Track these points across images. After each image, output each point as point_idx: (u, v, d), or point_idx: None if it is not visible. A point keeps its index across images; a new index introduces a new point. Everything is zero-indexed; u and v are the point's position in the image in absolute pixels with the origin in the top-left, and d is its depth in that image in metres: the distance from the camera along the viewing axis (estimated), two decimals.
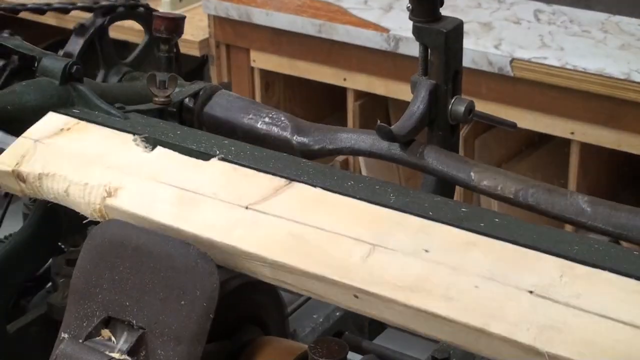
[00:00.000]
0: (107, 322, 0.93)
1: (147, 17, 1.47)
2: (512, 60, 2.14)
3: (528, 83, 2.15)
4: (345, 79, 2.43)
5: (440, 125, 1.11)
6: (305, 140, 1.16)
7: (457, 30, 1.08)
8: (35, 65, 1.23)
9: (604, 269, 0.87)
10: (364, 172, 2.47)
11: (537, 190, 1.02)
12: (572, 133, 2.16)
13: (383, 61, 2.32)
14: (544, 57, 2.14)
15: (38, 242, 1.28)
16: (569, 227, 2.26)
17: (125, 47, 1.50)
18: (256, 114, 1.22)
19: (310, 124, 1.19)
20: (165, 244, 0.91)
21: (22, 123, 1.17)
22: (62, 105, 1.18)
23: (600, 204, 0.99)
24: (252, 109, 1.23)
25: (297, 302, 1.25)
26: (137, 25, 1.50)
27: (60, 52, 1.39)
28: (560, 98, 2.14)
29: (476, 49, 2.16)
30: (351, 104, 2.48)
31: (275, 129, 1.19)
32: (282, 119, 1.20)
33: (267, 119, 1.20)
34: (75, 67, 1.20)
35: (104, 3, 1.42)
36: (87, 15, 1.44)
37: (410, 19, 1.09)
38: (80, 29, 1.40)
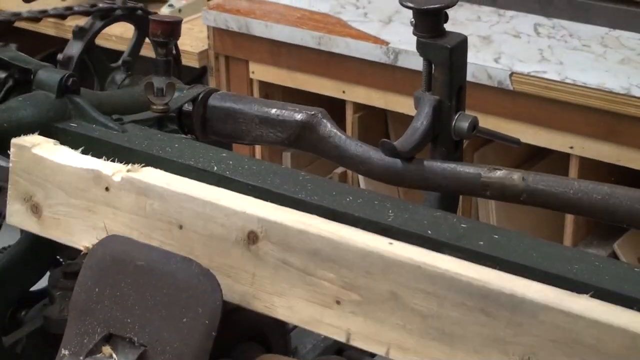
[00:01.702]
0: (108, 339, 0.92)
1: (143, 19, 1.46)
2: (512, 74, 2.14)
3: (527, 97, 2.15)
4: (344, 92, 2.43)
5: (444, 141, 1.10)
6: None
7: (461, 45, 1.08)
8: (31, 77, 1.22)
9: (604, 289, 0.87)
10: (362, 185, 2.46)
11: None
12: (572, 147, 2.16)
13: (382, 74, 2.32)
14: (544, 71, 2.14)
15: (35, 255, 1.27)
16: (568, 237, 2.27)
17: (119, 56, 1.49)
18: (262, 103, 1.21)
19: None
20: (167, 261, 0.91)
21: None
22: (60, 120, 1.17)
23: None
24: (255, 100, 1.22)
25: None
26: (129, 34, 1.50)
27: (60, 56, 1.38)
28: (560, 112, 2.13)
29: (476, 62, 2.16)
30: (350, 117, 2.48)
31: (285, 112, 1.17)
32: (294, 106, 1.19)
33: (277, 106, 1.19)
34: (71, 79, 1.19)
35: (101, 5, 1.41)
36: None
37: (414, 34, 1.08)
38: (79, 32, 1.39)
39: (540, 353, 0.86)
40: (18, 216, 1.14)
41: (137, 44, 1.48)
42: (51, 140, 1.13)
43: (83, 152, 1.12)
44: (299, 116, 1.15)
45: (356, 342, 0.94)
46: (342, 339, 0.94)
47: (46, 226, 1.13)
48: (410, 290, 0.91)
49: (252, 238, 0.97)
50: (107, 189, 1.06)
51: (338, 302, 0.94)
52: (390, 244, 0.94)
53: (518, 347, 0.86)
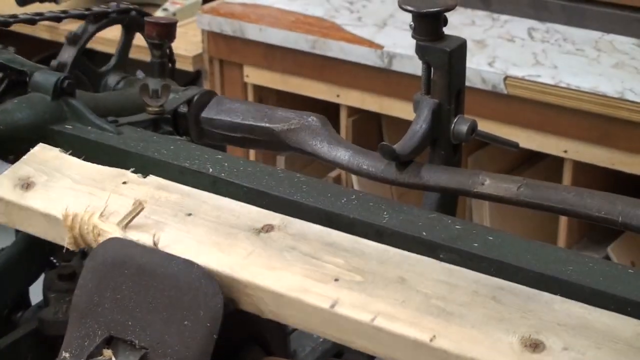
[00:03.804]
0: (109, 342, 0.92)
1: (138, 20, 1.45)
2: (506, 77, 2.15)
3: (521, 101, 2.16)
4: (338, 95, 2.43)
5: (443, 145, 1.10)
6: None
7: (460, 49, 1.08)
8: (27, 80, 1.22)
9: (598, 291, 0.87)
10: (356, 187, 2.47)
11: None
12: (565, 151, 2.17)
13: (376, 78, 2.32)
14: (538, 74, 2.15)
15: (30, 257, 1.27)
16: (562, 240, 2.28)
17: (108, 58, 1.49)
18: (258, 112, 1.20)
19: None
20: (169, 263, 0.91)
21: (16, 142, 1.17)
22: (56, 122, 1.18)
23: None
24: (252, 108, 1.22)
25: None
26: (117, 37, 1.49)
27: (54, 62, 1.38)
28: (554, 116, 2.14)
29: (470, 66, 2.16)
30: (344, 120, 2.48)
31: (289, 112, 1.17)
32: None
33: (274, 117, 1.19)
34: (66, 81, 1.20)
35: (95, 9, 1.41)
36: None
37: (413, 37, 1.08)
38: (73, 37, 1.39)
39: (544, 332, 0.85)
40: None
41: (125, 46, 1.48)
42: None
43: (79, 155, 1.12)
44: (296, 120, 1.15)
45: (340, 309, 0.89)
46: (325, 305, 0.89)
47: (26, 197, 1.07)
48: (421, 278, 0.90)
49: (265, 229, 0.98)
50: (124, 182, 1.06)
51: (336, 280, 0.92)
52: None
53: (521, 327, 0.85)
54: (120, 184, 1.06)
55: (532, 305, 0.86)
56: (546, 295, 0.87)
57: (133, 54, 1.50)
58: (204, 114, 1.22)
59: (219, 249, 0.96)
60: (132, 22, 1.45)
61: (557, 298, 0.87)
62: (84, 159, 1.11)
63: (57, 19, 1.41)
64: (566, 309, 0.86)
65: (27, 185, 1.08)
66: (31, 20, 1.39)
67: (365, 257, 0.94)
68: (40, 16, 1.40)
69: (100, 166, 1.09)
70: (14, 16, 1.39)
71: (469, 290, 0.89)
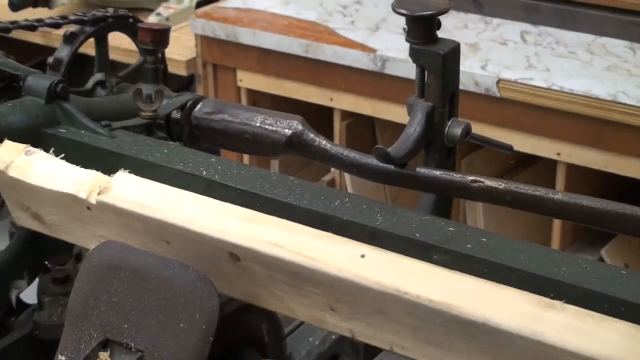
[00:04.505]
0: (105, 345, 0.92)
1: (134, 27, 1.45)
2: (499, 81, 2.15)
3: (514, 104, 2.16)
4: (331, 99, 2.43)
5: (437, 148, 1.11)
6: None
7: (454, 52, 1.09)
8: (21, 83, 1.22)
9: (592, 291, 0.88)
10: (350, 190, 2.47)
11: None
12: (559, 154, 2.17)
13: (370, 81, 2.32)
14: (530, 77, 2.15)
15: (24, 261, 1.27)
16: (555, 243, 2.28)
17: (112, 66, 1.48)
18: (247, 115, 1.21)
19: None
20: (164, 266, 0.91)
21: None
22: (49, 125, 1.18)
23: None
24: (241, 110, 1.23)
25: (293, 324, 1.24)
26: (124, 44, 1.48)
27: (50, 59, 1.38)
28: (547, 119, 2.14)
29: (463, 69, 2.15)
30: (338, 124, 2.49)
31: (269, 126, 1.18)
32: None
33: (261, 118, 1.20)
34: (60, 85, 1.19)
35: (72, 17, 1.40)
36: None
37: (406, 40, 1.09)
38: (70, 36, 1.39)
39: None
40: (24, 220, 1.14)
41: (102, 54, 1.45)
42: (21, 148, 1.11)
43: (72, 158, 1.12)
44: (281, 132, 1.16)
45: (361, 339, 0.95)
46: (347, 334, 0.95)
47: (54, 231, 1.13)
48: (393, 309, 0.91)
49: (234, 257, 0.98)
50: (88, 208, 1.06)
51: (333, 310, 0.94)
52: (363, 256, 0.92)
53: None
54: (86, 211, 1.06)
55: (499, 339, 0.86)
56: (503, 328, 0.86)
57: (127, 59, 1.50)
58: (196, 114, 1.23)
59: (224, 278, 0.98)
60: (101, 33, 1.42)
61: (514, 334, 0.85)
62: (78, 164, 1.11)
63: (32, 27, 1.40)
64: (527, 346, 0.85)
65: (36, 217, 1.12)
66: (31, 27, 1.38)
67: (333, 288, 0.94)
68: (15, 24, 1.38)
69: (51, 189, 1.07)
70: (15, 22, 1.38)
71: (437, 323, 0.89)
